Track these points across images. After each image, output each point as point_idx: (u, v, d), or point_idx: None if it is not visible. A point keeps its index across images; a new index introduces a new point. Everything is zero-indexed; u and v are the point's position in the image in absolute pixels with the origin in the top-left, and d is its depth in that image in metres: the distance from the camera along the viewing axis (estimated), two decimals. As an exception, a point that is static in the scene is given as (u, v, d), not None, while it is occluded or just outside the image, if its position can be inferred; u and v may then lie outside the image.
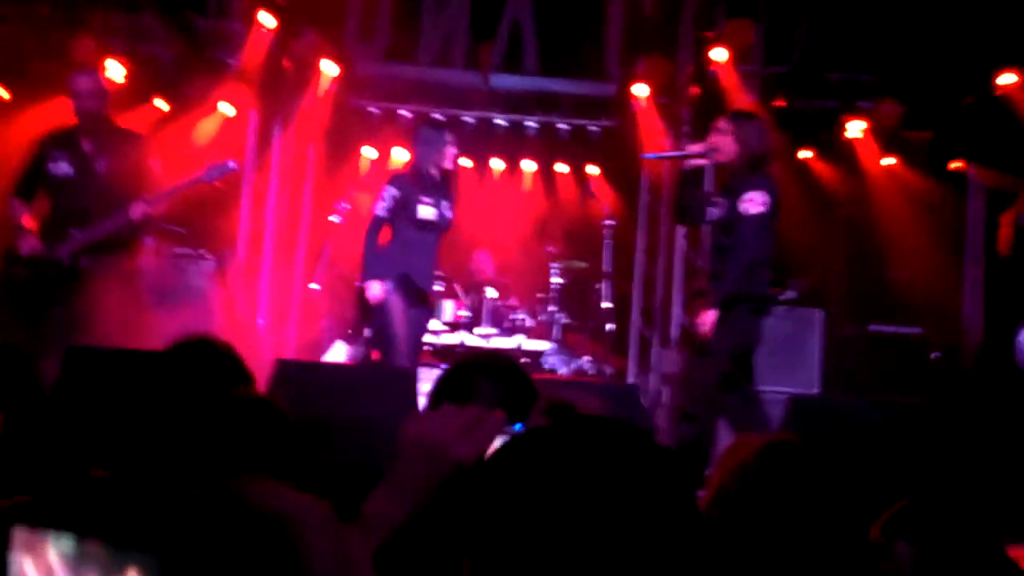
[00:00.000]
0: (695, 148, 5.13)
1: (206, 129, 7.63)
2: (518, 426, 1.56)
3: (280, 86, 7.81)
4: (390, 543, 1.43)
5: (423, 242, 5.48)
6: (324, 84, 7.88)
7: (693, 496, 1.14)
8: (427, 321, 5.67)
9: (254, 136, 7.68)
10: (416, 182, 5.47)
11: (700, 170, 5.63)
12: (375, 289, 5.30)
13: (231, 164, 5.31)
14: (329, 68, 7.84)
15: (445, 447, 1.45)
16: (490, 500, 1.09)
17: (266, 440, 1.99)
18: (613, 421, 1.17)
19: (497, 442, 1.48)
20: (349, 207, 7.10)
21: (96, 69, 5.76)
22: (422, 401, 5.64)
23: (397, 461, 1.49)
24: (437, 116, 8.41)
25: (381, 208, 5.41)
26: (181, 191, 5.28)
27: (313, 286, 7.06)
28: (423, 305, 5.58)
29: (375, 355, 5.83)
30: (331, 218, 7.06)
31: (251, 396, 2.25)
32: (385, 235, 5.46)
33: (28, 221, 5.21)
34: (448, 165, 5.57)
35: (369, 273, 5.36)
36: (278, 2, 7.44)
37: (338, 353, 6.74)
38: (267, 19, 7.31)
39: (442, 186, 5.58)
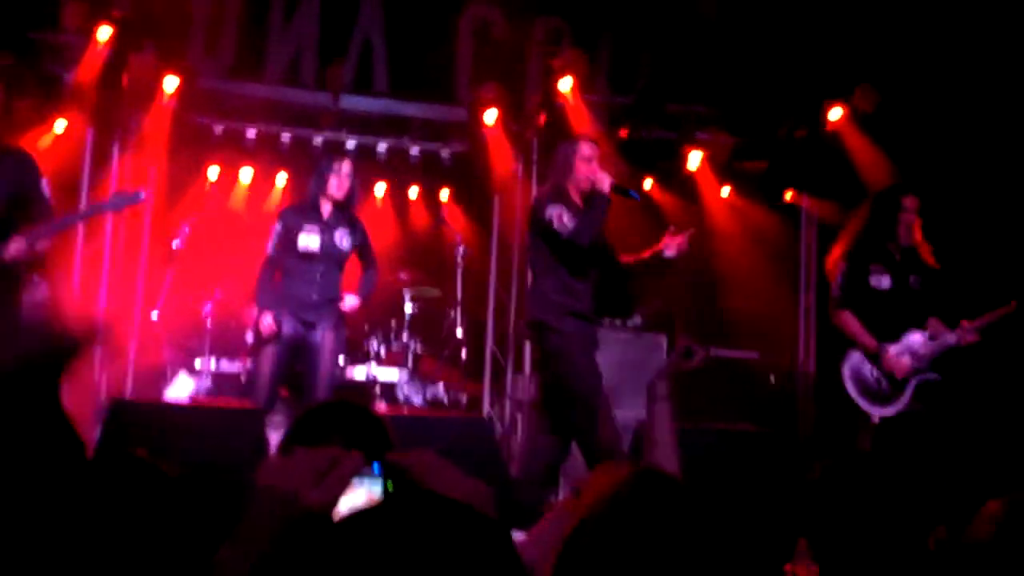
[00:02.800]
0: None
1: (40, 147, 7.27)
2: (376, 466, 1.53)
3: (118, 102, 7.49)
4: None
5: (308, 272, 5.54)
6: (165, 100, 7.59)
7: None
8: (320, 348, 5.54)
9: (91, 154, 7.34)
10: (302, 213, 5.59)
11: None
12: (267, 320, 5.41)
13: (141, 194, 5.02)
14: (170, 84, 7.56)
15: (296, 494, 1.40)
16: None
17: None
18: (457, 509, 1.18)
19: (356, 488, 1.47)
20: (189, 231, 6.86)
21: None
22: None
23: (248, 509, 1.44)
24: (285, 136, 8.27)
25: (269, 246, 5.59)
26: (73, 223, 4.90)
27: (154, 315, 6.78)
28: (310, 333, 5.55)
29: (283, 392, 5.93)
30: (173, 243, 6.81)
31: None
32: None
33: None
34: (335, 195, 5.53)
35: (260, 307, 5.49)
36: (116, 15, 7.14)
37: (182, 386, 6.50)
38: (104, 32, 7.01)
39: (338, 215, 5.62)
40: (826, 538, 2.27)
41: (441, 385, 7.05)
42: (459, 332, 7.00)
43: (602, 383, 5.03)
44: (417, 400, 6.77)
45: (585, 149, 5.06)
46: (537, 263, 5.10)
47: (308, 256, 5.50)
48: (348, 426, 2.14)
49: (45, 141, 7.40)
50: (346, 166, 5.59)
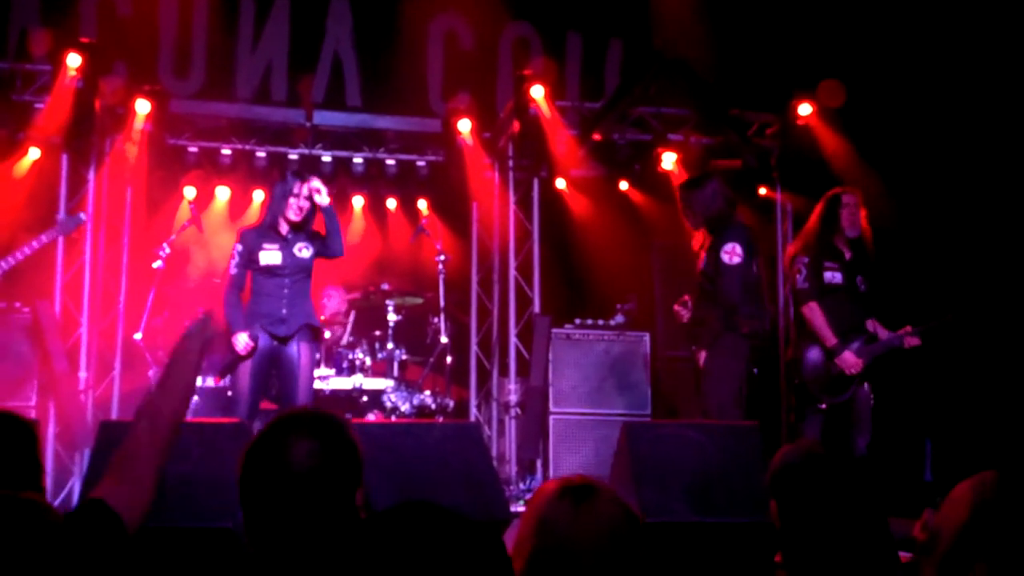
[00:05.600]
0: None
1: (15, 175, 7.25)
2: None
3: (91, 127, 7.46)
4: None
5: (275, 286, 5.66)
6: (138, 124, 7.59)
7: None
8: (295, 360, 5.61)
9: (66, 180, 7.31)
10: (261, 231, 5.74)
11: None
12: (241, 340, 5.53)
13: (82, 216, 5.01)
14: (143, 107, 7.56)
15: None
16: None
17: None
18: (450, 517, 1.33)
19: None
20: (169, 251, 6.86)
21: None
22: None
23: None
24: (261, 154, 8.28)
25: (232, 265, 5.73)
26: (26, 256, 4.87)
27: (137, 336, 6.76)
28: (284, 347, 5.64)
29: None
30: (153, 264, 6.80)
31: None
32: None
33: None
34: (292, 219, 5.62)
35: (232, 327, 5.58)
36: (84, 41, 7.14)
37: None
38: (74, 59, 7.00)
39: (297, 232, 5.73)
40: (791, 533, 2.26)
41: (428, 392, 7.07)
42: (443, 338, 7.02)
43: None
44: (405, 408, 6.78)
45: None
46: None
47: (272, 271, 5.64)
48: (316, 438, 2.10)
49: (20, 169, 7.38)
50: (306, 190, 5.67)
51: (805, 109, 7.68)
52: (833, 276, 5.86)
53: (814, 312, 5.80)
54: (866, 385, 5.83)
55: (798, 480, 2.29)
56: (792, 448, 2.41)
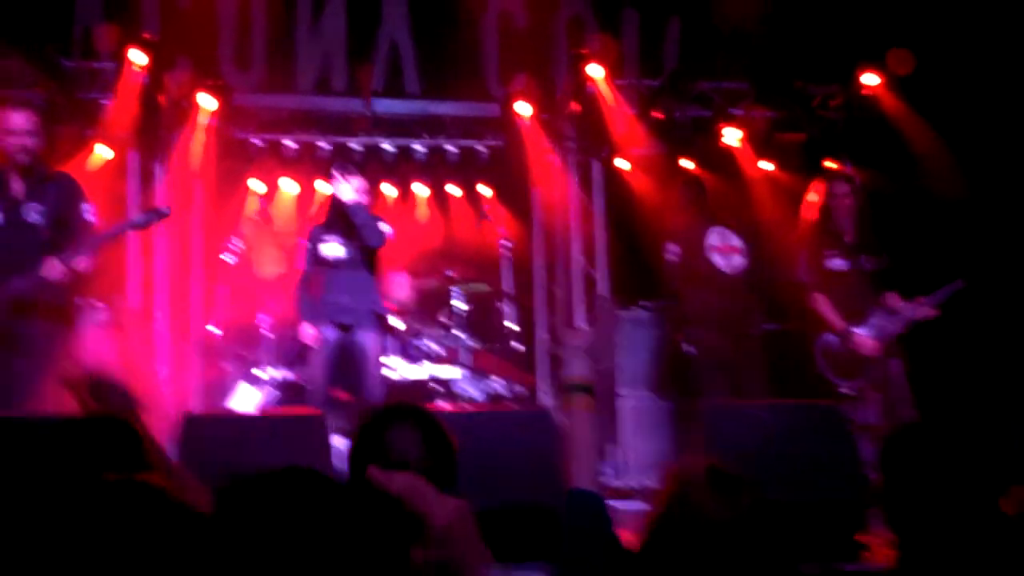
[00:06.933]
0: None
1: (85, 173, 7.38)
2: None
3: (158, 123, 7.59)
4: None
5: (338, 277, 5.79)
6: (203, 118, 7.69)
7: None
8: (363, 348, 5.72)
9: (136, 177, 7.44)
10: (322, 224, 5.89)
11: None
12: (307, 331, 5.74)
13: (166, 210, 5.06)
14: (206, 101, 7.65)
15: None
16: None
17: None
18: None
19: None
20: (242, 244, 6.96)
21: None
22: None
23: None
24: (322, 144, 8.34)
25: (301, 262, 5.94)
26: (106, 240, 4.91)
27: (211, 328, 6.88)
28: (351, 336, 5.74)
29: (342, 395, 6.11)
30: (223, 256, 6.90)
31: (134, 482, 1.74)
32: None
33: None
34: (344, 199, 5.65)
35: (302, 318, 5.80)
36: (147, 37, 7.23)
37: (244, 396, 6.60)
38: (138, 56, 7.10)
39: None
40: (900, 506, 2.27)
41: (498, 378, 7.09)
42: (510, 324, 7.03)
43: None
44: (477, 395, 6.82)
45: None
46: None
47: (334, 263, 5.78)
48: (415, 430, 2.14)
49: (89, 167, 7.52)
50: (354, 182, 5.74)
51: (870, 79, 7.53)
52: (834, 263, 5.94)
53: (818, 302, 5.91)
54: (898, 362, 5.84)
55: (910, 453, 2.29)
56: (899, 424, 2.43)
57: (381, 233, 5.78)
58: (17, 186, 4.81)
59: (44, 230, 4.76)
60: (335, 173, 5.79)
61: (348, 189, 5.69)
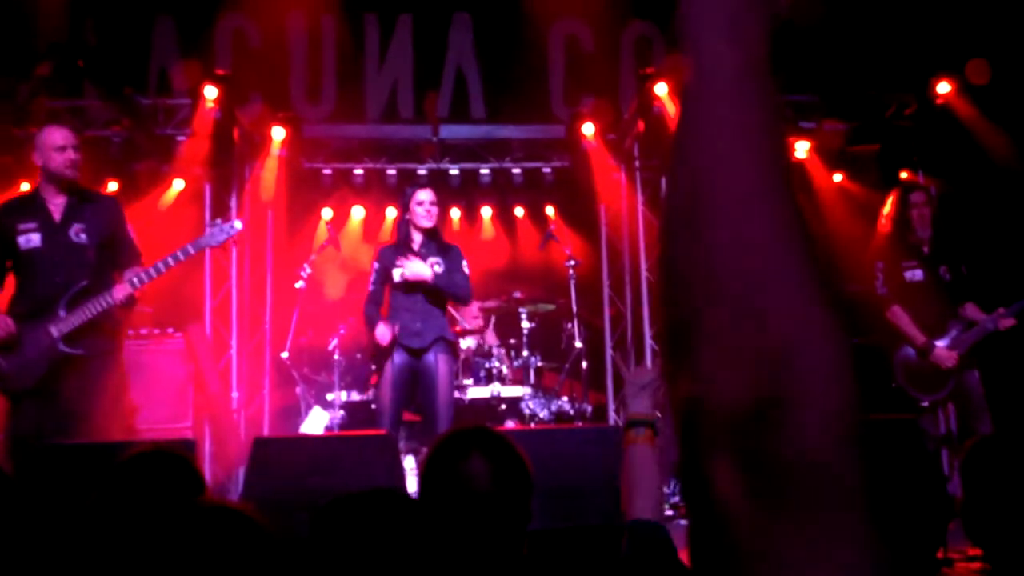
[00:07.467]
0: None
1: (160, 207, 7.61)
2: None
3: (231, 156, 7.78)
4: None
5: (409, 301, 5.65)
6: (275, 150, 7.87)
7: None
8: (432, 372, 5.62)
9: (210, 208, 7.64)
10: (396, 248, 5.73)
11: None
12: (381, 330, 5.52)
13: (237, 224, 4.88)
14: (278, 133, 7.84)
15: None
16: None
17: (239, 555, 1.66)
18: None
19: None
20: (310, 271, 7.06)
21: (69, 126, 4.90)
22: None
23: None
24: (391, 172, 8.46)
25: (370, 282, 5.79)
26: (172, 265, 4.63)
27: (284, 355, 6.99)
28: (421, 360, 5.63)
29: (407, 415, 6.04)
30: (296, 284, 7.01)
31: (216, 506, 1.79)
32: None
33: None
34: (421, 223, 5.64)
35: (371, 324, 5.62)
36: (220, 73, 7.43)
37: (317, 419, 6.68)
38: (211, 91, 7.29)
39: (428, 244, 5.70)
40: (983, 519, 2.20)
41: (565, 398, 7.06)
42: (578, 343, 6.99)
43: None
44: (543, 414, 6.78)
45: None
46: None
47: (405, 287, 5.64)
48: (487, 455, 2.13)
49: (165, 200, 7.75)
50: (426, 194, 5.67)
51: (944, 87, 7.35)
52: (913, 274, 5.81)
53: (897, 315, 5.79)
54: (975, 373, 5.71)
55: (993, 465, 2.24)
56: (979, 437, 2.39)
57: (467, 291, 5.76)
58: (58, 207, 4.68)
59: (90, 250, 4.66)
60: (401, 263, 5.62)
61: (422, 267, 5.59)
